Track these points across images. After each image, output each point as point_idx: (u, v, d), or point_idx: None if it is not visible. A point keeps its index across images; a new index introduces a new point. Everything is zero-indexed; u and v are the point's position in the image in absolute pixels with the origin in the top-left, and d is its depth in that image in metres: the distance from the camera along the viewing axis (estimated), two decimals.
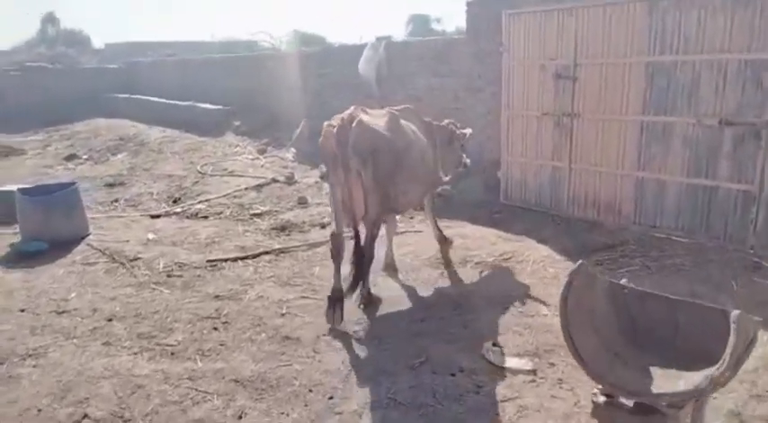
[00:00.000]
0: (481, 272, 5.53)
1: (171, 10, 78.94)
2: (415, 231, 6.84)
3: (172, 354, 3.97)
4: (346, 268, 4.62)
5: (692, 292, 4.59)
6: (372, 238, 4.47)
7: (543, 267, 5.54)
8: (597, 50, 6.45)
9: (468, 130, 6.02)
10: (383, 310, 4.67)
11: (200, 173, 9.87)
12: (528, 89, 7.27)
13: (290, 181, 9.10)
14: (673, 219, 6.19)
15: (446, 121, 5.93)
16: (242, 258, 5.88)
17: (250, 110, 13.41)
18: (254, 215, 7.62)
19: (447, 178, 5.85)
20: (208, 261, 5.76)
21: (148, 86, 18.33)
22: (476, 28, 8.15)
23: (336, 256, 4.48)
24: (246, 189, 8.79)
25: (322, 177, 9.30)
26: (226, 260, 5.81)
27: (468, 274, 5.46)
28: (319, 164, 10.12)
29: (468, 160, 6.18)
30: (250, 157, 10.86)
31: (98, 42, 31.15)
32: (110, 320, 4.46)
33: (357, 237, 4.59)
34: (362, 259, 4.44)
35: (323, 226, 7.11)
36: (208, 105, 14.00)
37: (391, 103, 10.76)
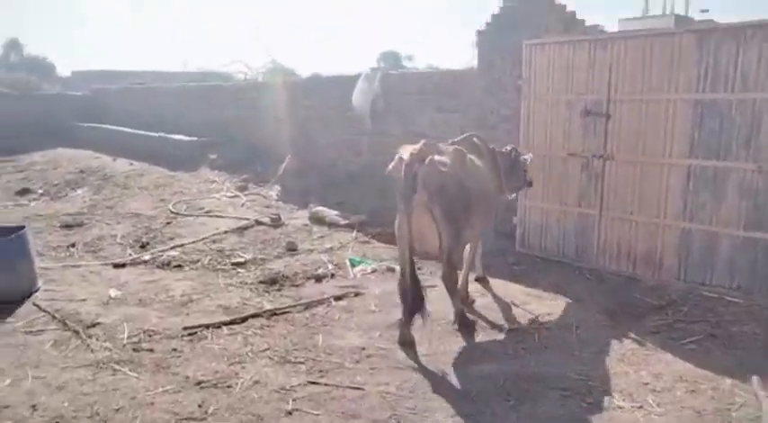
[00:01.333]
0: (519, 341, 4.60)
1: (142, 39, 77.67)
2: (429, 286, 5.89)
3: None
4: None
5: None
6: (451, 267, 4.59)
7: (593, 336, 4.64)
8: (636, 86, 5.75)
9: (529, 156, 5.95)
10: (415, 405, 3.66)
11: (172, 213, 8.76)
12: (551, 127, 6.52)
13: (276, 223, 8.09)
14: (726, 276, 5.41)
15: (509, 146, 5.86)
16: (227, 324, 4.81)
17: (228, 142, 12.42)
18: (237, 264, 6.56)
19: (512, 196, 6.07)
20: (185, 328, 4.67)
21: (116, 116, 17.19)
22: (488, 59, 7.41)
23: (406, 301, 4.47)
24: (227, 232, 7.73)
25: (311, 219, 8.34)
26: (208, 326, 4.74)
27: (507, 345, 4.52)
28: (308, 203, 9.20)
29: (531, 179, 6.07)
30: (229, 194, 9.81)
31: (65, 71, 29.76)
32: None
33: (413, 272, 4.47)
34: (419, 302, 4.42)
35: (318, 278, 6.11)
36: (181, 137, 12.95)
37: (388, 140, 9.85)
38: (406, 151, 4.44)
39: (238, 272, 6.36)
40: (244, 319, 4.92)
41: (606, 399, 3.69)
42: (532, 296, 5.59)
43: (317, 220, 8.34)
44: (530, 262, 6.66)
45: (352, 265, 6.54)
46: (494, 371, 4.05)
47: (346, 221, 8.16)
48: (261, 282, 5.99)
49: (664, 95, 5.57)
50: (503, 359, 4.28)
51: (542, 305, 5.33)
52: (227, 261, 6.69)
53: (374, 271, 6.37)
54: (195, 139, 12.63)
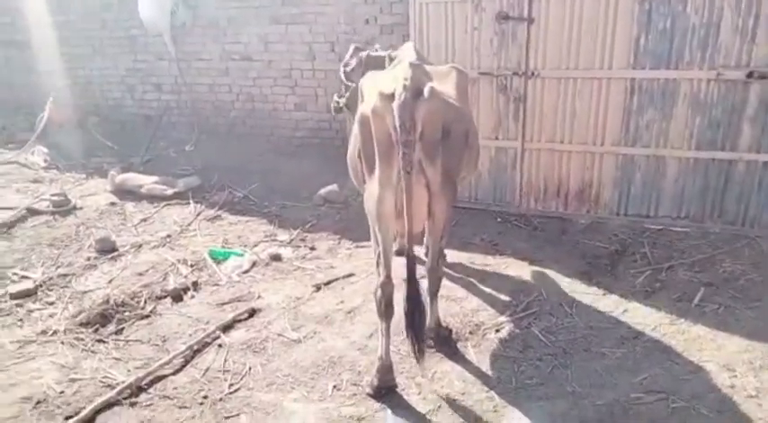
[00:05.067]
0: (515, 363, 3.30)
1: None
2: (345, 277, 4.21)
3: None
4: None
5: None
6: (442, 256, 3.39)
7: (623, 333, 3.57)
8: None
9: None
10: None
11: None
12: (453, 39, 5.02)
13: (62, 207, 5.36)
14: (673, 206, 4.77)
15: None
16: None
17: None
18: (21, 295, 3.98)
19: None
20: None
21: None
22: None
23: (388, 312, 2.89)
24: None
25: (116, 192, 5.77)
26: None
27: (501, 362, 3.18)
28: (102, 167, 6.47)
29: None
30: None
31: None
32: None
33: (411, 265, 2.69)
34: (420, 306, 2.69)
35: (176, 295, 3.98)
36: None
37: (199, 66, 7.50)
38: (384, 81, 2.77)
39: (30, 310, 3.84)
40: None
41: None
42: (480, 265, 4.31)
43: (127, 192, 5.80)
44: None
45: (216, 262, 4.48)
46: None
47: (174, 190, 5.80)
48: (83, 323, 3.63)
49: None
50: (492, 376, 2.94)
51: (506, 279, 4.08)
52: (3, 290, 4.05)
53: (254, 265, 4.42)
54: None
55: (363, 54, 4.24)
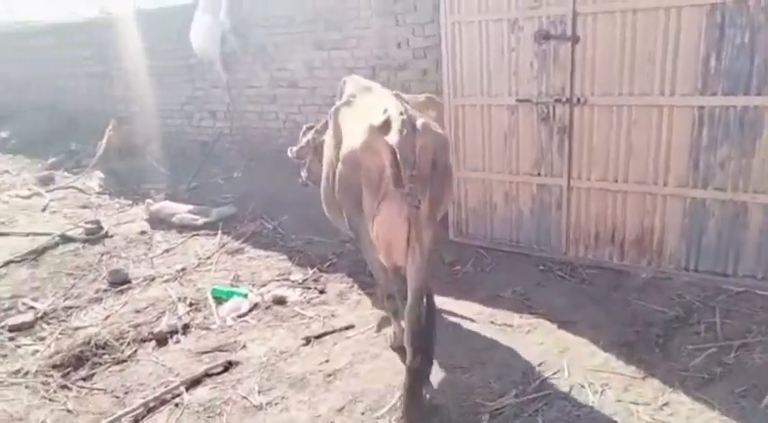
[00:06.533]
0: None
1: None
2: (342, 329, 3.75)
3: None
4: None
5: None
6: (429, 294, 2.93)
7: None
8: None
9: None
10: None
11: None
12: (489, 61, 4.46)
13: (94, 235, 5.40)
14: (758, 264, 3.83)
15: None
16: None
17: (27, 111, 9.02)
18: (19, 329, 3.93)
19: None
20: None
21: None
22: None
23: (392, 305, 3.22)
24: (11, 263, 4.94)
25: (151, 221, 5.75)
26: None
27: None
28: (146, 194, 6.54)
29: None
30: (25, 192, 6.76)
31: None
32: None
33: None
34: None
35: (161, 339, 3.74)
36: None
37: (249, 94, 7.29)
38: (375, 114, 2.74)
39: (18, 345, 3.76)
40: None
41: None
42: (501, 326, 3.66)
43: (161, 221, 5.76)
44: (472, 257, 4.72)
45: (218, 302, 4.20)
46: None
47: (205, 219, 5.68)
48: (55, 365, 3.47)
49: (663, 2, 3.69)
50: None
51: (526, 347, 3.41)
52: (2, 322, 4.03)
53: (253, 308, 4.09)
54: None
55: (311, 132, 4.49)
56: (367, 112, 2.89)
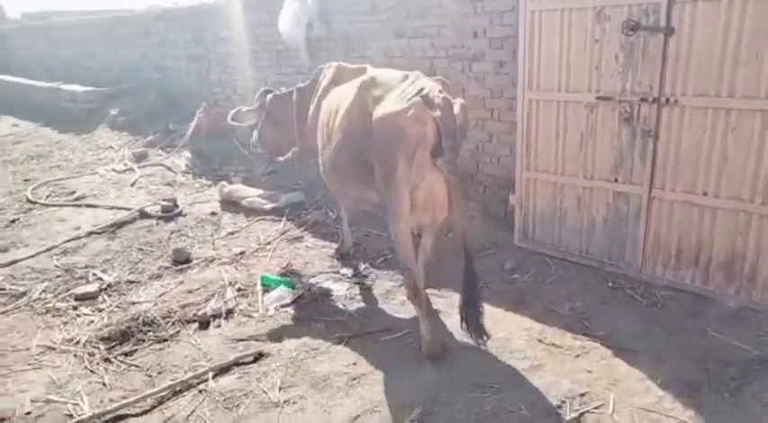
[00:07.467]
0: None
1: None
2: (380, 331, 3.59)
3: None
4: None
5: None
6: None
7: None
8: None
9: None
10: None
11: (29, 201, 6.24)
12: (569, 54, 4.04)
13: (168, 213, 5.65)
14: None
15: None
16: None
17: (135, 92, 9.66)
18: (83, 298, 4.17)
19: None
20: None
21: (20, 61, 14.17)
22: None
23: (419, 297, 3.26)
24: (91, 234, 5.28)
25: (222, 203, 5.91)
26: None
27: None
28: (225, 175, 6.74)
29: None
30: (120, 167, 7.23)
31: (14, 12, 24.51)
32: None
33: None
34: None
35: (203, 322, 3.80)
36: (76, 87, 10.12)
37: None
38: (409, 91, 3.11)
39: (78, 314, 3.99)
40: None
41: None
42: (548, 345, 3.33)
43: (232, 203, 5.91)
44: (536, 266, 4.36)
45: (266, 289, 4.21)
46: None
47: (273, 205, 5.74)
48: (103, 338, 3.64)
49: None
50: None
51: (571, 372, 3.07)
52: (71, 290, 4.31)
53: (298, 299, 4.05)
54: (92, 89, 9.81)
55: (270, 96, 4.66)
56: (393, 90, 3.19)
